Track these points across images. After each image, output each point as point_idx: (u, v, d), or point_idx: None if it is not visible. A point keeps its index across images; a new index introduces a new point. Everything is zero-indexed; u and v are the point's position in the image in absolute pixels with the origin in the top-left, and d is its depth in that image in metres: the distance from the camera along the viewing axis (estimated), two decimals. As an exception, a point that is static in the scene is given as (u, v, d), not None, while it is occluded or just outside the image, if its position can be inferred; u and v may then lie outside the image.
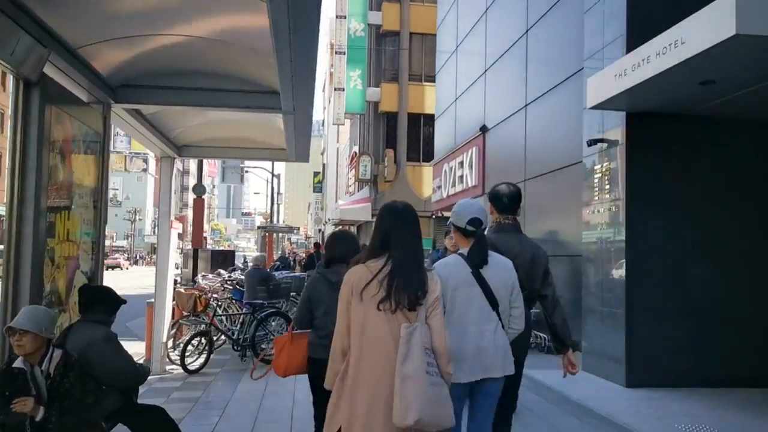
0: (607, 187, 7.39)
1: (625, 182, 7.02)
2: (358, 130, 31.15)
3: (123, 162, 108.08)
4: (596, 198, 7.63)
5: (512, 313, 3.27)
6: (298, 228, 34.66)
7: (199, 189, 15.20)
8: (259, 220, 58.61)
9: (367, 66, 26.30)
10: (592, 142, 7.61)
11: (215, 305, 8.20)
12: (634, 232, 6.96)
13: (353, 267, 2.80)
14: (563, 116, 9.18)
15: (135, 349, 9.15)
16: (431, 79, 25.24)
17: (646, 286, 6.93)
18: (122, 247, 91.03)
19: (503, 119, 11.81)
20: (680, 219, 7.06)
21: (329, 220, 36.30)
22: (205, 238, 28.58)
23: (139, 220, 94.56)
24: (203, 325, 7.90)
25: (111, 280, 30.33)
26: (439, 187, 16.47)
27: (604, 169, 7.49)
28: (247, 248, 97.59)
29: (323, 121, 73.48)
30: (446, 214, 16.77)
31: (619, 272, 7.09)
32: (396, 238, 2.76)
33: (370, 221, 25.20)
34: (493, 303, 3.19)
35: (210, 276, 10.31)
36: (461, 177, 14.26)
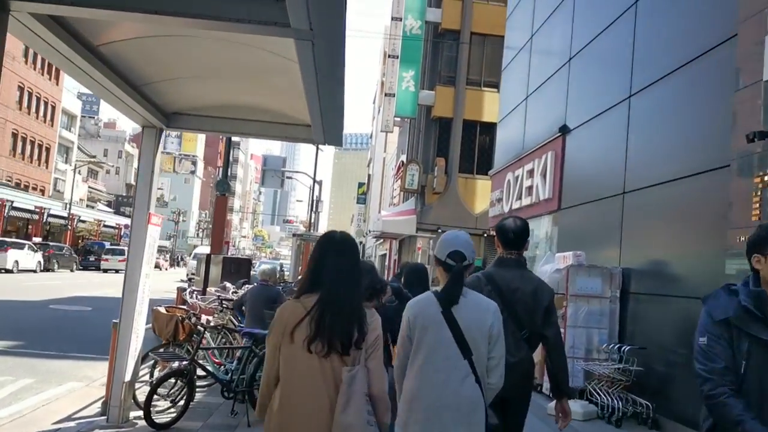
0: (782, 201, 4.95)
1: (820, 195, 4.59)
2: (407, 138, 29.00)
3: (172, 163, 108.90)
4: (757, 217, 5.19)
5: (488, 363, 2.87)
6: (337, 238, 32.73)
7: (222, 186, 13.20)
8: (301, 229, 56.65)
9: (422, 67, 24.14)
10: (756, 136, 5.19)
11: (202, 331, 5.99)
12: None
13: (286, 302, 2.61)
14: (695, 104, 6.77)
15: (102, 370, 7.04)
16: (491, 84, 23.01)
17: None
18: (165, 247, 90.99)
19: (592, 117, 9.41)
20: None
21: (370, 231, 34.10)
22: (227, 242, 26.51)
23: (183, 221, 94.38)
24: (183, 361, 5.70)
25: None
26: (500, 200, 14.09)
27: (774, 176, 5.06)
28: (289, 256, 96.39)
29: (371, 133, 71.90)
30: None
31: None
32: (329, 272, 2.52)
33: (414, 236, 22.96)
34: (465, 349, 2.81)
35: (213, 290, 8.16)
36: (530, 188, 11.89)
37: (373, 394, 2.47)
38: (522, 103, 13.39)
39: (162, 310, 6.08)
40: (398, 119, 32.09)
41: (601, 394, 7.28)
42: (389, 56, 34.62)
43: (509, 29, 16.06)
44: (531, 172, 11.88)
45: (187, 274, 31.20)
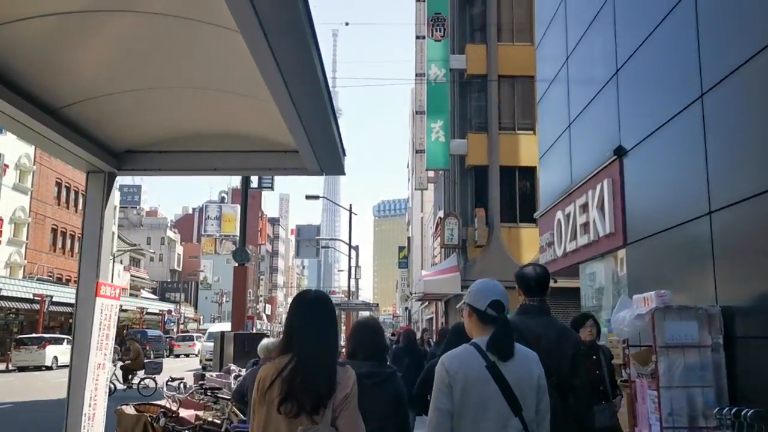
0: None
1: None
2: (442, 193, 27.68)
3: (213, 245, 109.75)
4: None
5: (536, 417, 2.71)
6: (377, 305, 30.77)
7: (240, 255, 11.95)
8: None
9: (451, 116, 22.99)
10: None
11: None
12: None
13: (265, 363, 2.65)
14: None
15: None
16: (526, 127, 21.76)
17: None
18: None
19: (655, 129, 7.89)
20: None
21: (412, 294, 32.35)
22: (252, 318, 24.91)
23: (227, 302, 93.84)
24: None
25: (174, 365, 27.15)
26: (550, 244, 12.45)
27: None
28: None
29: (408, 196, 71.10)
30: (563, 281, 12.67)
31: None
32: (300, 331, 2.54)
33: (460, 294, 21.22)
34: (515, 406, 2.66)
35: (213, 375, 6.69)
36: (585, 225, 10.27)
37: None
38: (564, 132, 11.93)
39: (128, 409, 4.64)
40: (432, 175, 30.95)
41: (720, 475, 5.48)
42: (417, 113, 33.87)
43: (540, 60, 14.80)
44: (585, 207, 10.28)
45: (201, 360, 28.12)
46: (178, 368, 29.51)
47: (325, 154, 4.22)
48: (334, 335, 2.59)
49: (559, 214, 11.66)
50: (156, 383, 16.16)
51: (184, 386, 6.28)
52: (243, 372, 7.08)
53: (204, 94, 3.87)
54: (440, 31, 22.96)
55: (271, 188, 21.76)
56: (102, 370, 4.38)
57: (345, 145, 4.38)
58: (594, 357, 5.72)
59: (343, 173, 4.58)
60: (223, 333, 9.59)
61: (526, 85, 21.69)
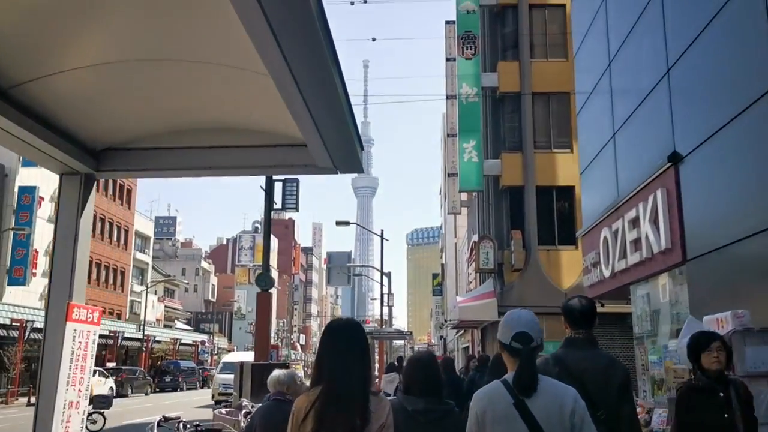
0: None
1: None
2: (476, 216, 26.78)
3: (247, 275, 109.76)
4: None
5: None
6: (410, 333, 29.81)
7: (264, 280, 11.27)
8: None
9: (483, 135, 22.20)
10: None
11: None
12: None
13: (301, 395, 2.60)
14: None
15: None
16: (562, 144, 20.91)
17: None
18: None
19: (716, 130, 7.02)
20: None
21: (447, 321, 31.34)
22: (276, 347, 23.87)
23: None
24: None
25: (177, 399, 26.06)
26: (596, 265, 11.50)
27: None
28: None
29: (441, 223, 70.16)
30: (610, 306, 11.71)
31: None
32: (331, 361, 2.50)
33: (497, 321, 20.23)
34: None
35: (222, 413, 5.93)
36: (636, 242, 9.34)
37: None
38: (608, 143, 11.07)
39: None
40: (465, 198, 30.10)
41: None
42: (449, 136, 33.18)
43: (578, 71, 14.02)
44: (635, 222, 9.37)
45: (213, 395, 24.18)
46: (194, 402, 28.42)
47: (337, 147, 3.50)
48: (366, 363, 2.51)
49: (606, 232, 10.74)
50: (105, 418, 15.53)
51: (184, 426, 5.52)
52: (249, 407, 6.31)
53: (193, 69, 3.18)
54: (471, 49, 22.33)
55: (296, 209, 21.09)
56: (75, 410, 3.66)
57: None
58: (721, 394, 4.22)
59: (361, 170, 3.85)
60: (242, 364, 8.83)
61: (562, 102, 20.90)
